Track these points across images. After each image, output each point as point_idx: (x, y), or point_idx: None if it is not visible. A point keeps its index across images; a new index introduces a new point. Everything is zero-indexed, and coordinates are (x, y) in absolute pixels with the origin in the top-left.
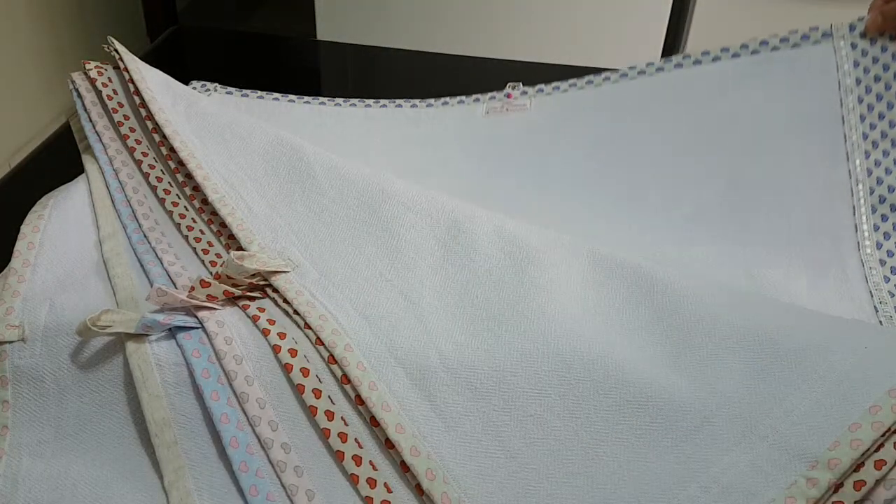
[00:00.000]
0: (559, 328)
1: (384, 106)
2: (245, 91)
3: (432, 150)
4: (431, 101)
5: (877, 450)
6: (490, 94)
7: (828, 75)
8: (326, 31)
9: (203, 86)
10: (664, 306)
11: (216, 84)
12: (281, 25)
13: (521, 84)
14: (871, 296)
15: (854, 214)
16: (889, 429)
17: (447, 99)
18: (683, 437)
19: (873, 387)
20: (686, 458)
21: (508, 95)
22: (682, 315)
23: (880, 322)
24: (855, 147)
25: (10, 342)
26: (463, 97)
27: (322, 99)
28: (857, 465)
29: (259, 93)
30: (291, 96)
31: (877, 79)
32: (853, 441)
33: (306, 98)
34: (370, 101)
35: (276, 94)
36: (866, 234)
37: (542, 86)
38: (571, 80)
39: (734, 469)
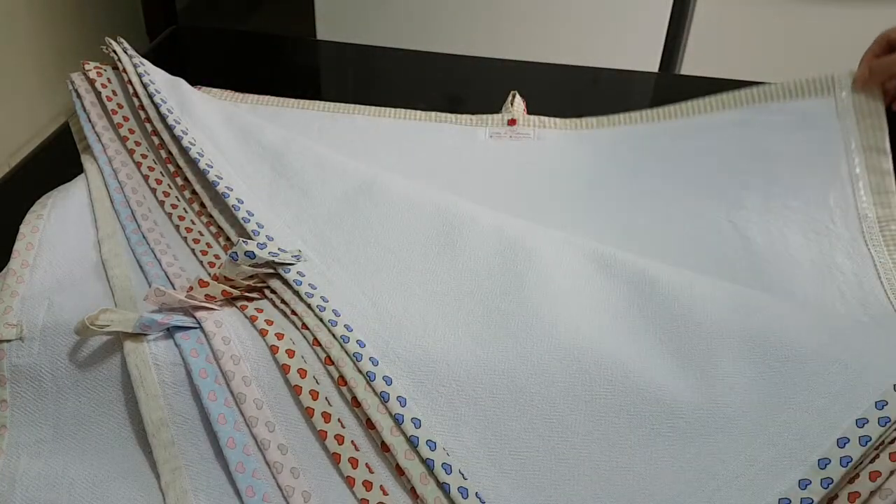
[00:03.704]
0: (565, 329)
1: (378, 116)
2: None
3: (433, 171)
4: (431, 116)
5: (872, 461)
6: (491, 117)
7: (829, 130)
8: (326, 30)
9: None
10: (667, 309)
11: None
12: (280, 25)
13: (517, 96)
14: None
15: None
16: (881, 440)
17: (448, 116)
18: (689, 441)
19: (863, 398)
20: (694, 464)
21: (511, 122)
22: (686, 319)
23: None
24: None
25: (8, 341)
26: (463, 117)
27: (316, 106)
28: (852, 477)
29: (250, 98)
30: (286, 100)
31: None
32: (842, 458)
33: (301, 104)
34: (365, 110)
35: (266, 102)
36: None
37: (544, 118)
38: (572, 120)
39: (738, 481)
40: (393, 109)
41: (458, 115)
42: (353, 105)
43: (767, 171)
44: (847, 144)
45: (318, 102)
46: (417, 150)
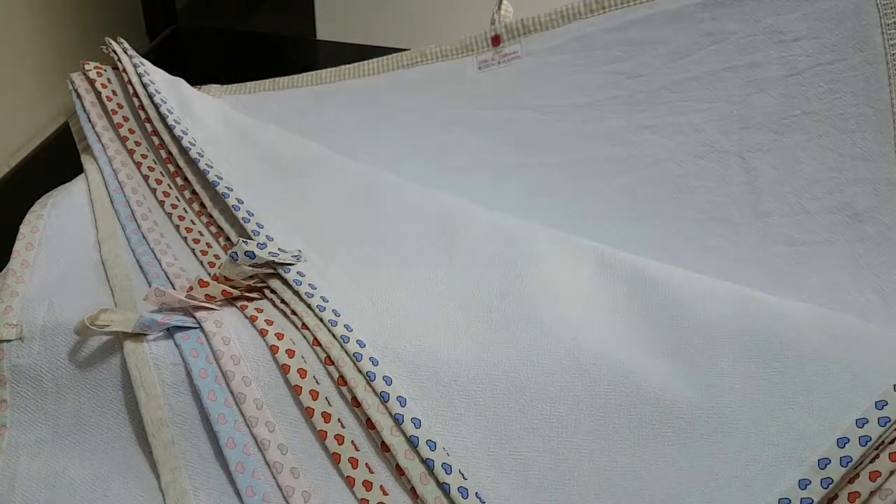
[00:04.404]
0: (565, 329)
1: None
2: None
3: (426, 124)
4: (415, 57)
5: (872, 461)
6: (478, 37)
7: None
8: (326, 30)
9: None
10: (667, 309)
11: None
12: (280, 25)
13: (504, 1)
14: None
15: None
16: (881, 440)
17: (432, 51)
18: (689, 441)
19: (863, 397)
20: (694, 464)
21: (495, 39)
22: (686, 319)
23: None
24: None
25: (8, 341)
26: (448, 48)
27: (304, 80)
28: (852, 477)
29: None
30: (277, 80)
31: None
32: (842, 458)
33: (291, 81)
34: (350, 71)
35: (261, 88)
36: None
37: (527, 21)
38: (555, 13)
39: (738, 481)
40: (377, 61)
41: (443, 47)
42: (339, 69)
43: (782, 64)
44: (882, 11)
45: (305, 75)
46: (407, 117)
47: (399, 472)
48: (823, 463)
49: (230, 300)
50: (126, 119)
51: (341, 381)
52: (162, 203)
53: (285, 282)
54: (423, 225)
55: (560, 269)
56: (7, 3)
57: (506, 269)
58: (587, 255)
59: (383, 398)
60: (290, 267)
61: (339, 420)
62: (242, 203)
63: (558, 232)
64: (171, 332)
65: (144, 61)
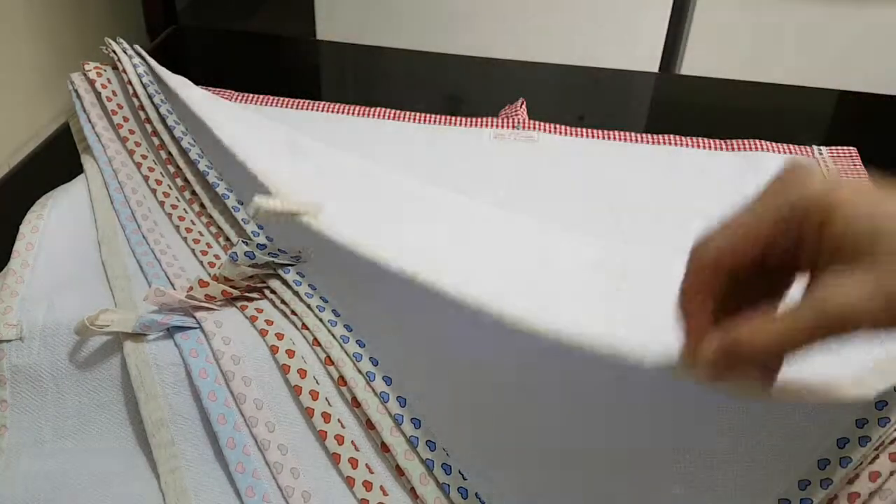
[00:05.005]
0: (567, 333)
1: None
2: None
3: (438, 173)
4: (434, 121)
5: (871, 461)
6: (495, 118)
7: None
8: (326, 30)
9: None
10: (666, 312)
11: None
12: (280, 25)
13: (523, 105)
14: None
15: None
16: (881, 440)
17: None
18: (690, 442)
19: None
20: (695, 465)
21: (513, 125)
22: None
23: None
24: None
25: (8, 341)
26: (467, 119)
27: (317, 107)
28: (852, 477)
29: (251, 99)
30: (288, 101)
31: None
32: (842, 458)
33: (301, 104)
34: (368, 112)
35: (269, 104)
36: None
37: (545, 124)
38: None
39: (738, 479)
40: (393, 111)
41: (459, 118)
42: (353, 105)
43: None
44: None
45: (319, 103)
46: (419, 153)
47: (399, 472)
48: (823, 464)
49: (230, 300)
50: (126, 119)
51: (341, 381)
52: (162, 203)
53: (285, 282)
54: (425, 229)
55: (569, 277)
56: (7, 3)
57: (507, 275)
58: (589, 265)
59: (383, 398)
60: (289, 268)
61: (339, 420)
62: (242, 204)
63: (560, 248)
64: (171, 332)
65: (148, 58)
